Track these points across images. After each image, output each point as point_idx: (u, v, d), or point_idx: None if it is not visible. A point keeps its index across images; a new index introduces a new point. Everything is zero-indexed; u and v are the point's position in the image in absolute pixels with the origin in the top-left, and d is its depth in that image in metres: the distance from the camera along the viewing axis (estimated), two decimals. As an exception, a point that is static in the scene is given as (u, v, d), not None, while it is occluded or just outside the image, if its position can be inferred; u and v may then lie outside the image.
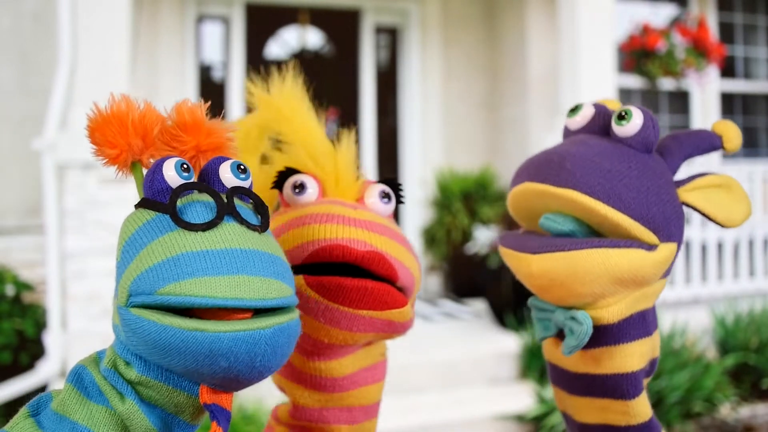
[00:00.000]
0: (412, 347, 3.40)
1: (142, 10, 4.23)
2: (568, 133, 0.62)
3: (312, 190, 0.63)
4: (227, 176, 0.49)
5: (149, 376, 0.45)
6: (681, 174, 0.60)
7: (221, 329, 0.42)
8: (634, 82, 4.75)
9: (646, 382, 0.61)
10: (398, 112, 5.15)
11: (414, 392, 3.20)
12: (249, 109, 0.71)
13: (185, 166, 0.47)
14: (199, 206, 0.46)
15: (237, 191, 0.48)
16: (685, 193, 0.57)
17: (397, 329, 0.60)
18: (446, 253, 4.65)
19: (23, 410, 0.47)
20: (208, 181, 0.49)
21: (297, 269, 0.58)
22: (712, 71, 4.99)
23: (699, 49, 4.64)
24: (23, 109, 4.27)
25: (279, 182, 0.64)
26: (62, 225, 3.05)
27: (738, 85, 5.51)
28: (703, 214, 0.57)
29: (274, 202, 0.70)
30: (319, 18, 5.65)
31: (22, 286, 3.42)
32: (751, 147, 5.67)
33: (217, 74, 5.26)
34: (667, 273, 0.58)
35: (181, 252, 0.43)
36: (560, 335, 0.60)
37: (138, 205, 0.47)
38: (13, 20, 4.33)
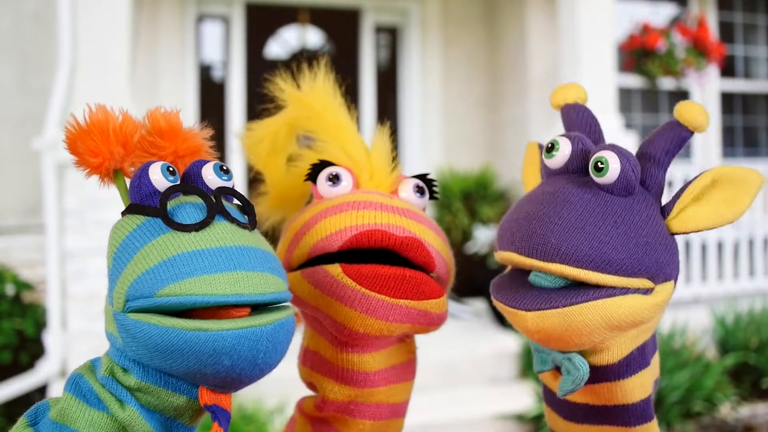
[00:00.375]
0: (412, 347, 3.39)
1: (142, 9, 4.23)
2: (548, 171, 0.60)
3: (346, 183, 0.63)
4: (211, 177, 0.49)
5: (148, 381, 0.45)
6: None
7: (224, 327, 0.42)
8: (634, 81, 4.74)
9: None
10: (398, 112, 5.15)
11: (414, 391, 3.19)
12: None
13: (171, 169, 0.47)
14: (189, 207, 0.47)
15: (223, 191, 0.48)
16: (674, 222, 0.55)
17: (433, 321, 0.59)
18: (446, 253, 4.65)
19: (22, 420, 0.47)
20: (191, 183, 0.49)
21: (333, 257, 0.57)
22: (712, 71, 4.99)
23: (699, 49, 4.64)
24: (23, 109, 4.27)
25: (313, 174, 0.64)
26: (62, 224, 3.05)
27: (738, 85, 5.50)
28: (705, 230, 0.55)
29: (306, 198, 0.70)
30: (319, 17, 5.65)
31: (22, 286, 3.42)
32: (751, 147, 5.66)
33: (217, 74, 5.26)
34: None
35: (177, 253, 0.43)
36: (558, 368, 0.59)
37: (126, 212, 0.47)
38: (13, 20, 4.33)
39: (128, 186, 0.48)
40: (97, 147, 0.47)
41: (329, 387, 0.60)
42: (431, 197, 0.66)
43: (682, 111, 0.57)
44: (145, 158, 0.49)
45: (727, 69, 5.34)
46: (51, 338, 3.07)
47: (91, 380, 0.46)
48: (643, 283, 0.52)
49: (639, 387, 0.56)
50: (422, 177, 0.66)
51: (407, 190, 0.64)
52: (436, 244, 0.59)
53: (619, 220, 0.53)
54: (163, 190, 0.46)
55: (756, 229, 4.29)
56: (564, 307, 0.52)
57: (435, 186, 0.66)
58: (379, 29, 5.16)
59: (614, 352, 0.54)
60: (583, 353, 0.55)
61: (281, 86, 0.68)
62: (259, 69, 5.83)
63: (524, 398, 3.11)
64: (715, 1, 5.39)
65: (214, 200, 0.47)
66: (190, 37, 4.51)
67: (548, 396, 0.63)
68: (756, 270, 4.30)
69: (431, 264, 0.58)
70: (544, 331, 0.53)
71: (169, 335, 0.41)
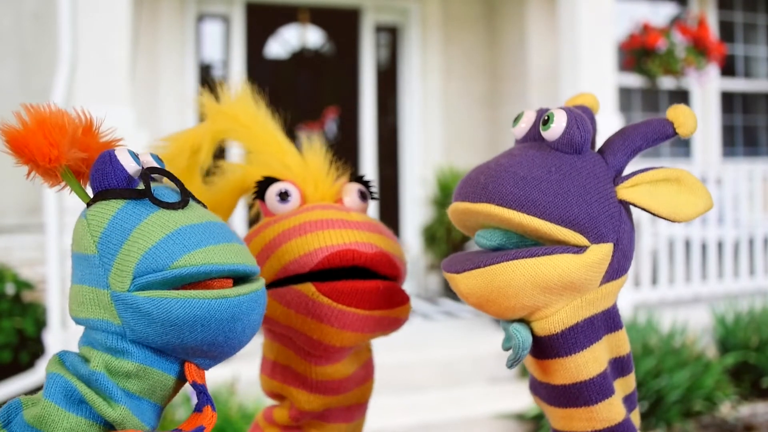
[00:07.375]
0: (412, 346, 3.40)
1: (142, 9, 4.23)
2: (516, 141, 0.62)
3: (294, 198, 0.63)
4: (131, 164, 0.48)
5: (145, 363, 0.44)
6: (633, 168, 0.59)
7: (241, 292, 0.44)
8: (634, 80, 4.74)
9: (626, 383, 0.59)
10: (398, 111, 5.15)
11: (414, 391, 3.21)
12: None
13: (136, 154, 0.48)
14: (164, 189, 0.48)
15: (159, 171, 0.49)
16: (623, 191, 0.56)
17: (399, 325, 0.61)
18: (446, 252, 4.65)
19: None
20: None
21: (303, 277, 0.58)
22: (713, 70, 4.98)
23: (699, 48, 4.64)
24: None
25: (261, 191, 0.64)
26: (62, 223, 3.05)
27: (738, 84, 5.50)
28: (647, 211, 0.55)
29: (232, 210, 0.69)
30: (319, 17, 5.65)
31: (23, 285, 3.42)
32: (751, 146, 5.66)
33: (217, 73, 5.26)
34: (616, 275, 0.56)
35: (180, 227, 0.44)
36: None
37: (98, 198, 0.46)
38: (13, 20, 4.33)
39: (92, 175, 0.47)
40: (56, 140, 0.46)
41: (304, 398, 0.61)
42: (372, 199, 0.67)
43: (676, 110, 0.58)
44: (77, 155, 0.48)
45: (728, 68, 5.34)
46: (51, 337, 3.07)
47: (72, 379, 0.45)
48: (575, 237, 0.52)
49: (593, 361, 0.55)
50: (361, 180, 0.67)
51: (351, 195, 0.65)
52: (397, 252, 0.61)
53: (554, 168, 0.54)
54: (134, 174, 0.46)
55: (756, 228, 4.29)
56: (487, 266, 0.52)
57: (372, 189, 0.67)
58: (379, 28, 5.16)
59: (555, 320, 0.54)
60: (525, 323, 0.56)
61: (201, 100, 0.67)
62: (259, 68, 5.84)
63: (524, 397, 3.11)
64: (716, 1, 5.39)
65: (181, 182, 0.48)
66: (191, 37, 4.51)
67: (530, 381, 0.63)
68: (756, 269, 4.30)
69: (398, 274, 0.60)
70: (473, 294, 0.54)
71: (192, 306, 0.42)
